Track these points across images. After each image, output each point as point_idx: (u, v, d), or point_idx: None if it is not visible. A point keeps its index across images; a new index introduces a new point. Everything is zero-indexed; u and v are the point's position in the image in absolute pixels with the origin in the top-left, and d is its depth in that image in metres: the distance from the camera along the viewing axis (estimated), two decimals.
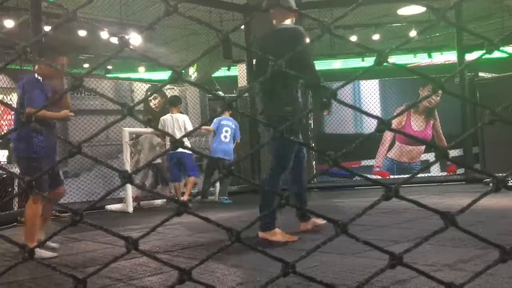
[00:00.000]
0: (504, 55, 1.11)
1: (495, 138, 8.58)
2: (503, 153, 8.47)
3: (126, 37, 0.81)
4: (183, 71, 0.87)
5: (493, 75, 9.84)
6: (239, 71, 10.29)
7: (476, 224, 4.04)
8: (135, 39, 10.89)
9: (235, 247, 0.93)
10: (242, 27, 9.52)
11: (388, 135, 9.80)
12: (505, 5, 11.74)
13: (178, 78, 0.78)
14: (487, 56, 0.82)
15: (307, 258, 0.85)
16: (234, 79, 10.92)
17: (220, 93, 10.32)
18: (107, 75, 15.10)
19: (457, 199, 6.25)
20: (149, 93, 9.44)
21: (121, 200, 7.16)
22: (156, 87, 10.48)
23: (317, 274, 2.67)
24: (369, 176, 8.73)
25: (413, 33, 11.45)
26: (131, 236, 0.83)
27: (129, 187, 6.75)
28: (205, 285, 0.85)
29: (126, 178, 0.77)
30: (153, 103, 9.49)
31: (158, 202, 7.63)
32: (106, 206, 7.17)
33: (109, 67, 15.76)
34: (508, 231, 3.74)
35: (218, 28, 0.81)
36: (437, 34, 12.64)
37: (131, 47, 0.79)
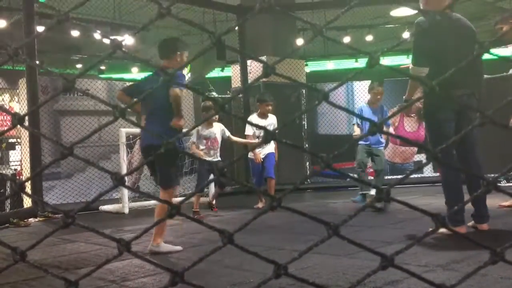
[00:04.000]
0: (495, 57, 1.12)
1: (487, 140, 8.61)
2: (495, 155, 8.51)
3: (119, 38, 0.81)
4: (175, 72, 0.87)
5: (486, 76, 9.87)
6: (233, 72, 10.29)
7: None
8: (128, 39, 10.86)
9: (228, 249, 0.94)
10: (236, 28, 9.51)
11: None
12: (497, 7, 11.82)
13: (169, 80, 0.78)
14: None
15: (300, 259, 0.86)
16: (227, 80, 10.92)
17: (214, 93, 10.31)
18: (100, 76, 15.05)
19: None
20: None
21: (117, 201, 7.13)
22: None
23: (310, 275, 2.67)
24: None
25: (406, 34, 11.49)
26: (123, 238, 0.83)
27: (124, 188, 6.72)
28: (197, 287, 0.85)
29: (118, 180, 0.77)
30: None
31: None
32: (100, 207, 7.14)
33: (102, 67, 15.72)
34: (499, 232, 3.76)
35: (211, 31, 0.81)
36: None
37: (124, 49, 0.79)
